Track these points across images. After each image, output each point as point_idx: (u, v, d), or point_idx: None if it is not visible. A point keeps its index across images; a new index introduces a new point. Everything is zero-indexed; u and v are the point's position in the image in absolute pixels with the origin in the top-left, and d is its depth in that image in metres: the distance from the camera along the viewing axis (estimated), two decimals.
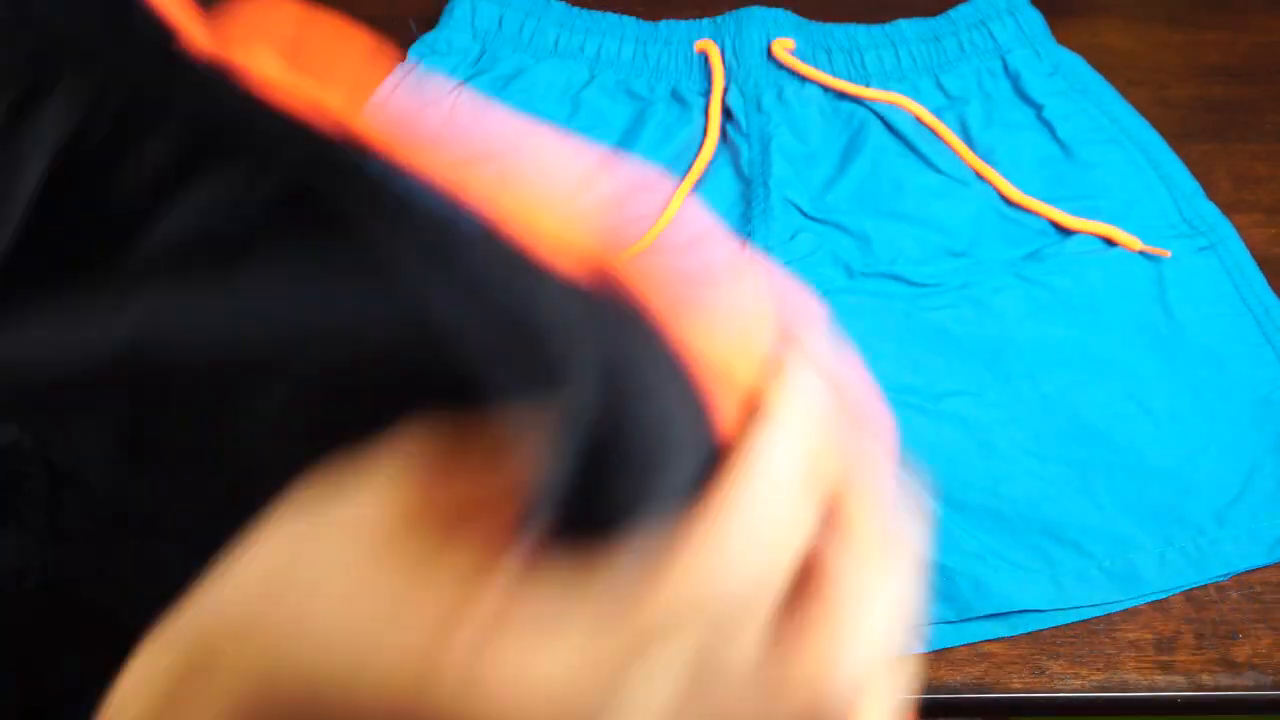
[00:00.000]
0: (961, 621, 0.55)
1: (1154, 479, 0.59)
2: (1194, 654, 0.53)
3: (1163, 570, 0.56)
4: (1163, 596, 0.56)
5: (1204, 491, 0.58)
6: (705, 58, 0.78)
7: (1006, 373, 0.63)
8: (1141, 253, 0.68)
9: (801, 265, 0.67)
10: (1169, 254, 0.68)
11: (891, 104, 0.74)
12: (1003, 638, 0.54)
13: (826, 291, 0.66)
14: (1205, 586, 0.56)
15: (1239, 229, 0.69)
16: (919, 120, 0.74)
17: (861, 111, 0.76)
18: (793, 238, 0.69)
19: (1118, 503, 0.58)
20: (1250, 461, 0.59)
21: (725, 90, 0.76)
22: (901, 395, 0.62)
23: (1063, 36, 0.80)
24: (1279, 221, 0.71)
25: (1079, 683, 0.53)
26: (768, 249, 0.68)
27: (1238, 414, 0.61)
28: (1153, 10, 0.87)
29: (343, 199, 0.25)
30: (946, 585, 0.55)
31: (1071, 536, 0.57)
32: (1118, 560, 0.56)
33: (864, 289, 0.67)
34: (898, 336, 0.65)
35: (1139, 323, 0.65)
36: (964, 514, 0.57)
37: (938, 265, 0.68)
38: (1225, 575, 0.56)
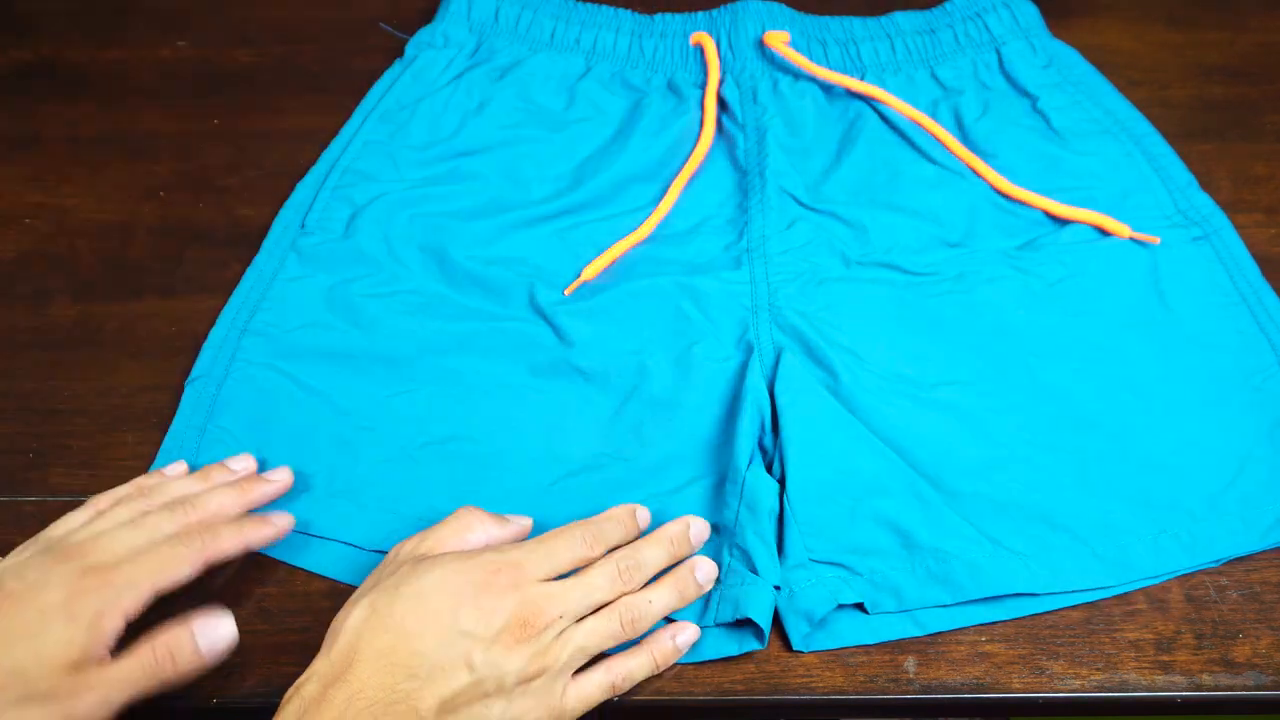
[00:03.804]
0: (955, 605, 0.54)
1: (1148, 465, 0.58)
2: (1194, 654, 0.53)
3: (1156, 556, 0.55)
4: (1156, 582, 0.55)
5: (1197, 478, 0.58)
6: (701, 50, 0.77)
7: (1001, 361, 0.63)
8: (1131, 239, 0.68)
9: (798, 254, 0.67)
10: (1158, 240, 0.67)
11: (877, 100, 0.74)
12: (1002, 637, 0.53)
13: (823, 280, 0.66)
14: (1205, 587, 0.55)
15: (1239, 229, 0.69)
16: (907, 117, 0.73)
17: (857, 103, 0.76)
18: (789, 227, 0.69)
19: (1111, 489, 0.58)
20: (1243, 448, 0.59)
21: (721, 82, 0.76)
22: (897, 384, 0.61)
23: (1063, 37, 0.80)
24: (1279, 221, 0.71)
25: (1079, 683, 0.52)
26: (765, 238, 0.67)
27: (1231, 401, 0.61)
28: (1153, 10, 0.87)
29: None
30: (941, 569, 0.54)
31: (1065, 522, 0.56)
32: (1111, 546, 0.56)
33: (860, 277, 0.67)
34: (893, 325, 0.64)
35: (1133, 312, 0.65)
36: (959, 500, 0.57)
37: (934, 255, 0.67)
38: (1218, 561, 0.56)
